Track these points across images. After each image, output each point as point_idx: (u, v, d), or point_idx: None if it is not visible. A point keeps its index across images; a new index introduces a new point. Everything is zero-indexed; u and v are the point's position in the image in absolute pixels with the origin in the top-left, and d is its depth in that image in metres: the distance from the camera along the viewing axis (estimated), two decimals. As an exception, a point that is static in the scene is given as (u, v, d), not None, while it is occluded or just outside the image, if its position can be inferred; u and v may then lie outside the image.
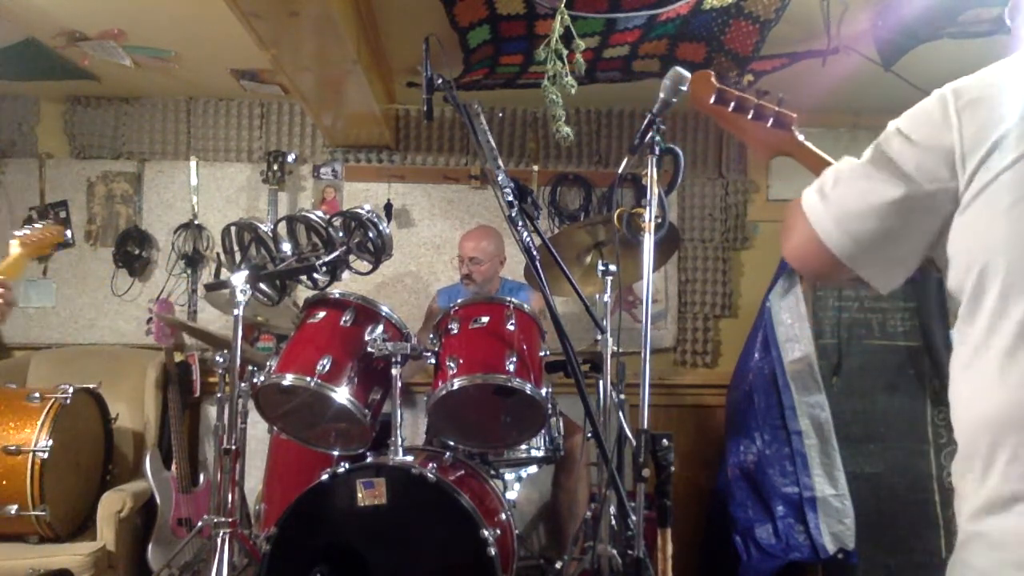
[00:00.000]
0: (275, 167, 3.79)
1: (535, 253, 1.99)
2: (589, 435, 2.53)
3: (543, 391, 2.43)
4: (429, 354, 2.50)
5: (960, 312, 1.01)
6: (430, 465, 2.37)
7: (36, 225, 2.43)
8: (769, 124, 1.33)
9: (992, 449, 0.94)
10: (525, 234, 2.00)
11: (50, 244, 2.45)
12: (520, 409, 2.49)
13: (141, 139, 3.99)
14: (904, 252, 1.04)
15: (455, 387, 2.39)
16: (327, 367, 2.35)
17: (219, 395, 3.01)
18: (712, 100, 1.37)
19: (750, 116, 1.34)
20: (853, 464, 3.23)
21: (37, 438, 2.86)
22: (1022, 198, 0.94)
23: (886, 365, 3.35)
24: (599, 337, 2.61)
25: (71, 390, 3.02)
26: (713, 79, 1.39)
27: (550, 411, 2.48)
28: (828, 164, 1.30)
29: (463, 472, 2.59)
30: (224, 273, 3.16)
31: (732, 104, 1.35)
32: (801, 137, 1.33)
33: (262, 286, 2.61)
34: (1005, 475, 0.92)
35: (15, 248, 2.30)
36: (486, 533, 2.21)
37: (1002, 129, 0.95)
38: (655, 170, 1.78)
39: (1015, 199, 0.94)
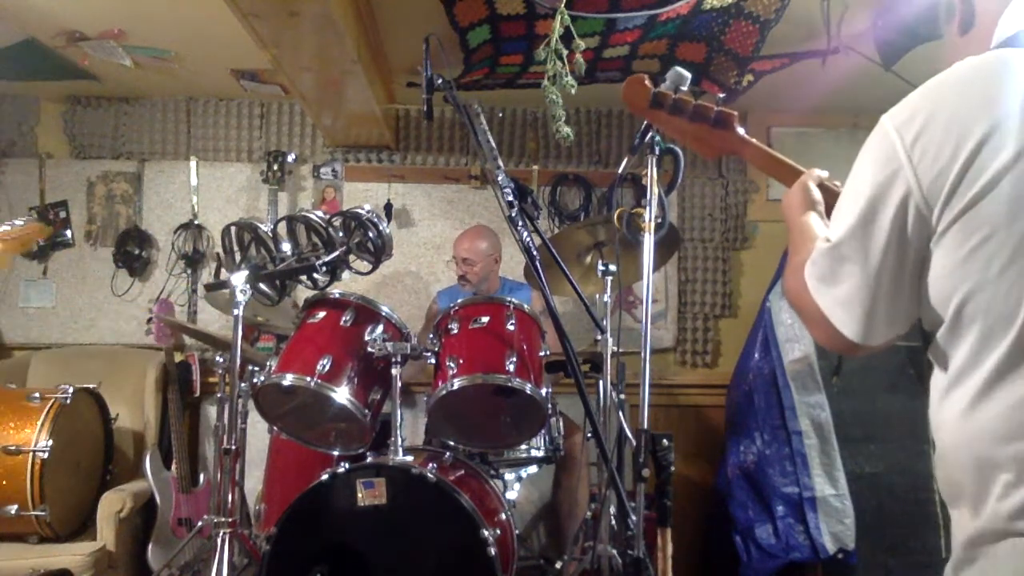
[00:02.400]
0: (275, 167, 3.79)
1: (535, 253, 1.99)
2: (589, 435, 2.53)
3: (543, 391, 2.43)
4: (429, 354, 2.50)
5: (939, 337, 1.00)
6: (430, 465, 2.37)
7: (16, 222, 2.29)
8: (710, 124, 1.30)
9: (981, 483, 0.94)
10: (525, 234, 2.00)
11: (27, 243, 2.33)
12: (520, 409, 2.49)
13: (141, 139, 3.99)
14: (909, 300, 1.03)
15: (455, 387, 2.39)
16: (327, 367, 2.35)
17: (219, 395, 3.02)
18: (648, 104, 1.32)
19: (689, 118, 1.31)
20: (853, 464, 3.22)
21: (37, 438, 2.86)
22: (989, 236, 0.92)
23: (886, 365, 3.35)
24: (599, 337, 2.61)
25: (71, 390, 3.02)
26: (647, 82, 1.35)
27: (550, 411, 2.48)
28: (773, 158, 1.29)
29: (463, 472, 2.59)
30: (224, 273, 3.15)
31: (669, 107, 1.31)
32: (743, 132, 1.30)
33: (262, 286, 2.61)
34: (996, 511, 0.92)
35: None
36: (486, 533, 2.21)
37: (959, 164, 0.93)
38: (655, 170, 1.78)
39: (982, 238, 0.93)
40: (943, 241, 0.96)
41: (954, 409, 0.97)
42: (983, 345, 0.94)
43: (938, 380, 1.01)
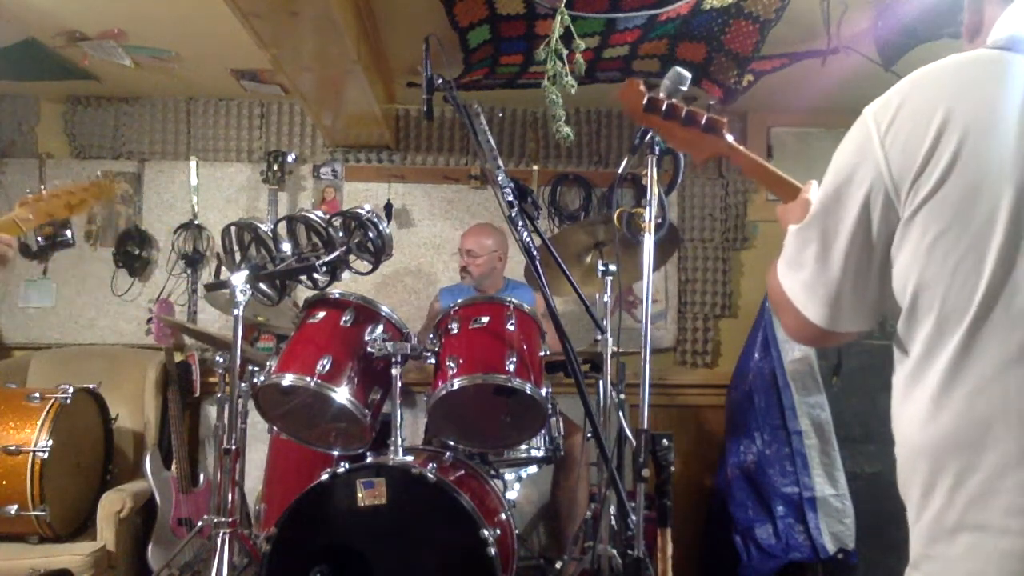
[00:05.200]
0: (275, 167, 3.79)
1: (535, 253, 1.99)
2: (589, 435, 2.53)
3: (543, 391, 2.43)
4: (429, 354, 2.50)
5: (898, 327, 1.02)
6: (430, 465, 2.37)
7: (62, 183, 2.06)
8: (701, 129, 1.35)
9: (933, 474, 0.95)
10: (525, 234, 2.00)
11: (78, 202, 2.05)
12: (520, 409, 2.49)
13: (141, 139, 3.99)
14: (876, 288, 1.04)
15: (455, 387, 2.39)
16: (327, 367, 2.35)
17: (219, 395, 3.01)
18: (643, 108, 1.37)
19: (681, 122, 1.36)
20: (853, 464, 3.22)
21: (37, 438, 2.86)
22: (947, 228, 0.94)
23: (886, 365, 3.29)
24: (599, 337, 2.61)
25: (71, 390, 3.02)
26: (642, 87, 1.40)
27: (550, 411, 2.48)
28: (760, 164, 1.34)
29: (463, 472, 2.59)
30: (224, 273, 3.15)
31: (663, 111, 1.36)
32: (731, 139, 1.35)
33: (262, 286, 2.61)
34: (948, 501, 0.93)
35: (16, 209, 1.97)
36: (486, 533, 2.21)
37: (924, 150, 0.95)
38: (655, 170, 1.78)
39: (941, 229, 0.94)
40: (909, 229, 0.97)
41: (914, 406, 0.98)
42: (937, 337, 0.95)
43: (898, 375, 1.03)
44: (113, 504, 3.03)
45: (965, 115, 0.94)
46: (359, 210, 2.59)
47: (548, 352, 2.58)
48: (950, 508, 0.93)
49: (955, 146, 0.93)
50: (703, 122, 1.35)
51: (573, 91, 2.53)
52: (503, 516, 2.56)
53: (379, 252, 2.59)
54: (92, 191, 2.08)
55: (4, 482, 2.81)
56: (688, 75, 1.61)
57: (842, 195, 1.02)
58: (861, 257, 1.02)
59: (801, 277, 1.07)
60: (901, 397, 1.01)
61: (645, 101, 1.37)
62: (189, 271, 3.92)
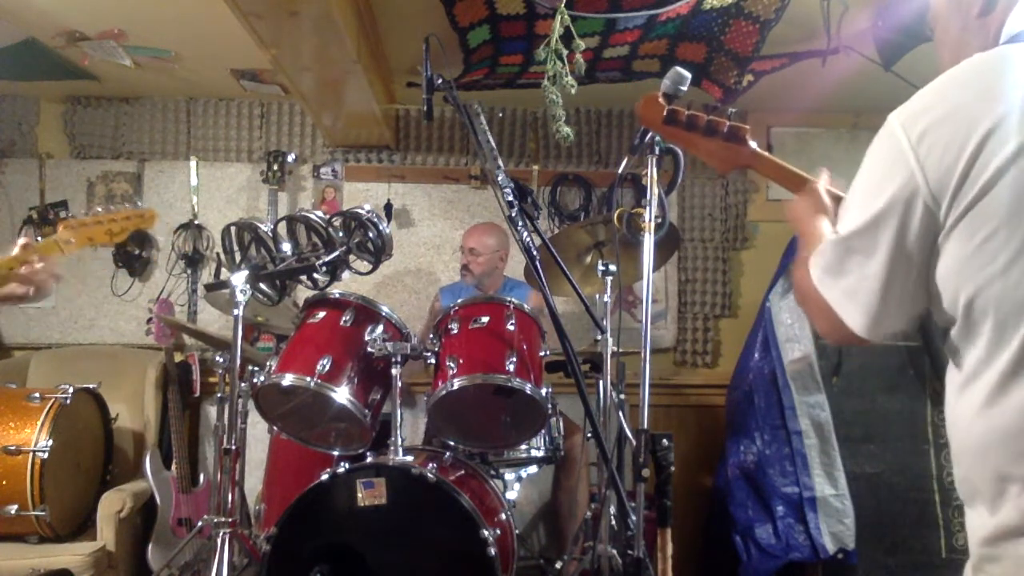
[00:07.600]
0: (275, 167, 3.79)
1: (535, 253, 1.99)
2: (589, 435, 2.53)
3: (543, 391, 2.43)
4: (429, 354, 2.50)
5: (953, 332, 1.01)
6: (430, 465, 2.37)
7: (109, 208, 2.01)
8: (723, 139, 1.33)
9: (1000, 480, 0.94)
10: (525, 234, 2.00)
11: (119, 230, 1.96)
12: (520, 409, 2.49)
13: (141, 139, 3.99)
14: (915, 295, 1.04)
15: (455, 387, 2.39)
16: (327, 367, 2.35)
17: (219, 395, 3.01)
18: (663, 121, 1.35)
19: (703, 133, 1.33)
20: (853, 464, 3.22)
21: (37, 438, 2.86)
22: (994, 232, 0.93)
23: (886, 365, 3.34)
24: (599, 337, 2.61)
25: (71, 390, 3.02)
26: (661, 99, 1.38)
27: (550, 411, 2.48)
28: (787, 171, 1.31)
29: (463, 472, 2.59)
30: (224, 273, 3.15)
31: (684, 123, 1.34)
32: (755, 146, 1.33)
33: (262, 286, 2.61)
34: (1016, 507, 0.92)
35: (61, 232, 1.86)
36: (486, 533, 2.21)
37: (965, 159, 0.94)
38: (655, 170, 1.78)
39: (987, 234, 0.93)
40: (951, 237, 0.96)
41: (970, 406, 0.97)
42: (997, 341, 0.94)
43: (953, 377, 1.01)
44: (113, 504, 3.03)
45: (1010, 119, 0.93)
46: (359, 210, 2.60)
47: (548, 352, 2.58)
48: (1017, 513, 0.92)
49: (1010, 151, 0.92)
50: (725, 131, 1.32)
51: (573, 91, 2.53)
52: (503, 516, 2.56)
53: (379, 252, 2.59)
54: (134, 220, 2.09)
55: (4, 482, 2.81)
56: (688, 75, 1.61)
57: (881, 208, 1.01)
58: (903, 267, 1.01)
59: (842, 285, 1.07)
60: (956, 402, 1.00)
61: (665, 114, 1.35)
62: (189, 271, 3.92)
